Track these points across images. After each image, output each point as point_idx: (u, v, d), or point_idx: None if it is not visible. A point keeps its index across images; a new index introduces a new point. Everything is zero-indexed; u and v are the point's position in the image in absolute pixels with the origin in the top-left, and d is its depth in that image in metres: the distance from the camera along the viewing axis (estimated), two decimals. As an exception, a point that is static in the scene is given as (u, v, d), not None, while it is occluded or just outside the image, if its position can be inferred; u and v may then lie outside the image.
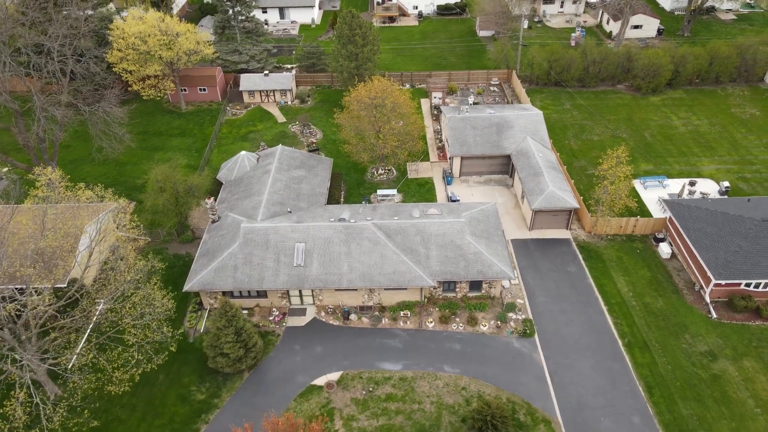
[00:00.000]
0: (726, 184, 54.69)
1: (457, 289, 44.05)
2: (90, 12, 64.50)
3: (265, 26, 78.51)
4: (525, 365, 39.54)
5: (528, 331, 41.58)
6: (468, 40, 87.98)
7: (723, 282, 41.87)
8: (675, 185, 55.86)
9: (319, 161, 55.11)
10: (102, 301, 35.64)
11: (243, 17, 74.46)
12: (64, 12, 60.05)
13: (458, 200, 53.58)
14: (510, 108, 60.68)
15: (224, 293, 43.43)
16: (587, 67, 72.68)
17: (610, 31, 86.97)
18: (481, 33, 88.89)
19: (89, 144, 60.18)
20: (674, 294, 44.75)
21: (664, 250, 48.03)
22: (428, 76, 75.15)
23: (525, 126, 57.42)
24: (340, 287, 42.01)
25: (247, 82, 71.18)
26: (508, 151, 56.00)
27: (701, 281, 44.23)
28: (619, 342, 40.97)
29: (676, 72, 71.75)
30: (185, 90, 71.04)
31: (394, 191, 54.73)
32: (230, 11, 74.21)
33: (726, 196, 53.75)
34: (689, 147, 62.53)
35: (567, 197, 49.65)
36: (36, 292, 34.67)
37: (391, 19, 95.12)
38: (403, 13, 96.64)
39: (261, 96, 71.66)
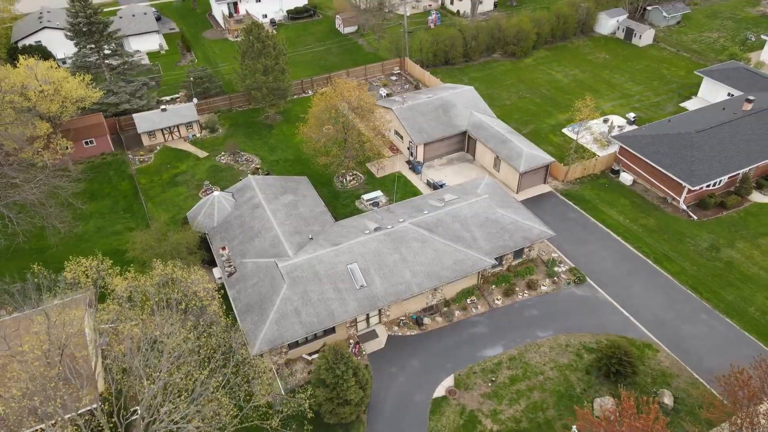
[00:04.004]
0: (632, 115, 64.33)
1: (504, 262, 45.10)
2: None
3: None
4: (597, 307, 42.49)
5: (580, 278, 44.60)
6: (336, 40, 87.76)
7: (696, 188, 49.79)
8: (596, 125, 63.83)
9: (297, 182, 50.87)
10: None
11: (108, 52, 64.09)
12: None
13: (444, 184, 54.18)
14: (442, 89, 62.86)
15: (289, 345, 38.32)
16: (468, 42, 78.25)
17: (457, 10, 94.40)
18: (346, 30, 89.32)
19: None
20: (656, 210, 51.79)
21: (627, 177, 55.05)
22: (327, 78, 73.46)
23: (466, 103, 60.14)
24: (412, 295, 40.00)
25: (143, 122, 61.67)
26: (463, 128, 58.19)
27: (672, 194, 51.92)
28: (649, 261, 46.33)
29: (537, 34, 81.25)
30: (68, 147, 58.76)
31: (379, 193, 53.16)
32: (87, 47, 63.32)
33: (635, 125, 63.25)
34: (581, 93, 71.35)
35: (542, 154, 53.73)
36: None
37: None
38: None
39: (163, 135, 62.79)
